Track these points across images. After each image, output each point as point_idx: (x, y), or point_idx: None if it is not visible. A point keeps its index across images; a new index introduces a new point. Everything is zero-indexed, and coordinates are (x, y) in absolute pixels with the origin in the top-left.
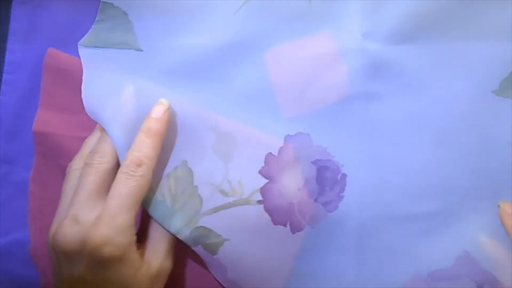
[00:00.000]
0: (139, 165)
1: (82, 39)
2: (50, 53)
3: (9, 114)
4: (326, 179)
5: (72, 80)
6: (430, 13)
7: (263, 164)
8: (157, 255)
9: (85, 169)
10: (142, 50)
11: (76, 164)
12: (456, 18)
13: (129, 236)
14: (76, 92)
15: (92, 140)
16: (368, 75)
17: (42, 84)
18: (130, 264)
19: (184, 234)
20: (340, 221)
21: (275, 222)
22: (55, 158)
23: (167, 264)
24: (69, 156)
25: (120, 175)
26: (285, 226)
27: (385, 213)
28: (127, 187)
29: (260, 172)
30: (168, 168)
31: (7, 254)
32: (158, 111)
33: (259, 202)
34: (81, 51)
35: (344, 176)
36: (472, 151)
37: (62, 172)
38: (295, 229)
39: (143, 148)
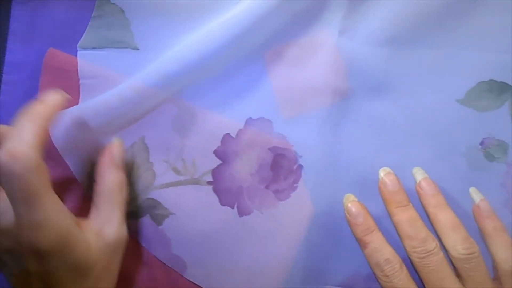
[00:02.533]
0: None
1: (81, 41)
2: (50, 53)
3: (9, 114)
4: (281, 167)
5: (72, 80)
6: (408, 19)
7: (219, 144)
8: (111, 225)
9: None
10: (138, 49)
11: None
12: (432, 26)
13: (64, 220)
14: (75, 92)
15: None
16: (339, 72)
17: (40, 84)
18: (79, 245)
19: (136, 202)
20: (290, 211)
21: (222, 203)
22: (55, 158)
23: (123, 232)
24: None
25: None
26: (232, 208)
27: (337, 211)
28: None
29: (215, 152)
30: (126, 144)
31: None
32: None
33: (209, 183)
34: (80, 54)
35: (300, 167)
36: (427, 158)
37: (61, 172)
38: (242, 212)
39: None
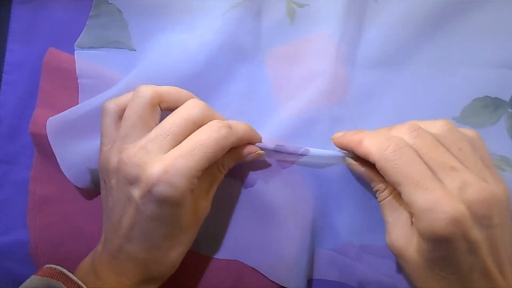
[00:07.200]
0: (230, 127)
1: (78, 40)
2: (50, 52)
3: (9, 114)
4: (285, 150)
5: (72, 80)
6: (401, 38)
7: None
8: (207, 199)
9: (130, 102)
10: (135, 50)
11: (112, 107)
12: (425, 44)
13: (186, 182)
14: (75, 91)
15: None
16: (335, 98)
17: (40, 83)
18: (184, 208)
19: None
20: (294, 178)
21: (225, 175)
22: (55, 158)
23: (210, 206)
24: None
25: (212, 123)
26: (235, 179)
27: (338, 179)
28: (212, 136)
29: None
30: None
31: (7, 254)
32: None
33: None
34: (77, 53)
35: (306, 150)
36: None
37: (62, 171)
38: (246, 184)
39: (239, 126)
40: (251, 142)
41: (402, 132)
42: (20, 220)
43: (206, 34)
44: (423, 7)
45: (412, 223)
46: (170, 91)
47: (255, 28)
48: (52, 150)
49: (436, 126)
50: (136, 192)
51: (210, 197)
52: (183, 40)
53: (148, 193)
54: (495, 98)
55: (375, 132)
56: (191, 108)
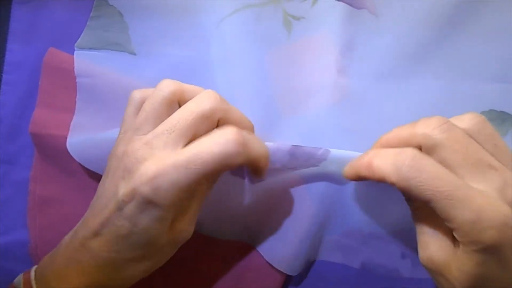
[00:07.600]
0: (243, 145)
1: (79, 41)
2: (50, 52)
3: (9, 114)
4: (302, 153)
5: (72, 80)
6: (407, 51)
7: None
8: (187, 220)
9: (150, 94)
10: (135, 54)
11: (138, 96)
12: (431, 57)
13: (173, 194)
14: (75, 91)
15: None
16: (341, 110)
17: (40, 83)
18: (163, 221)
19: None
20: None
21: (232, 173)
22: (55, 158)
23: (191, 230)
24: (68, 155)
25: (225, 131)
26: (243, 178)
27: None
28: (216, 149)
29: None
30: None
31: (7, 254)
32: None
33: None
34: (77, 54)
35: (326, 151)
36: None
37: (62, 171)
38: (254, 180)
39: (256, 146)
40: (258, 168)
41: (430, 126)
42: (20, 220)
43: (205, 41)
44: (425, 20)
45: (453, 235)
46: (194, 89)
47: (254, 35)
48: (52, 150)
49: (465, 120)
50: (123, 187)
51: (189, 219)
52: (190, 47)
53: (132, 191)
54: (501, 111)
55: (382, 148)
56: (201, 100)
